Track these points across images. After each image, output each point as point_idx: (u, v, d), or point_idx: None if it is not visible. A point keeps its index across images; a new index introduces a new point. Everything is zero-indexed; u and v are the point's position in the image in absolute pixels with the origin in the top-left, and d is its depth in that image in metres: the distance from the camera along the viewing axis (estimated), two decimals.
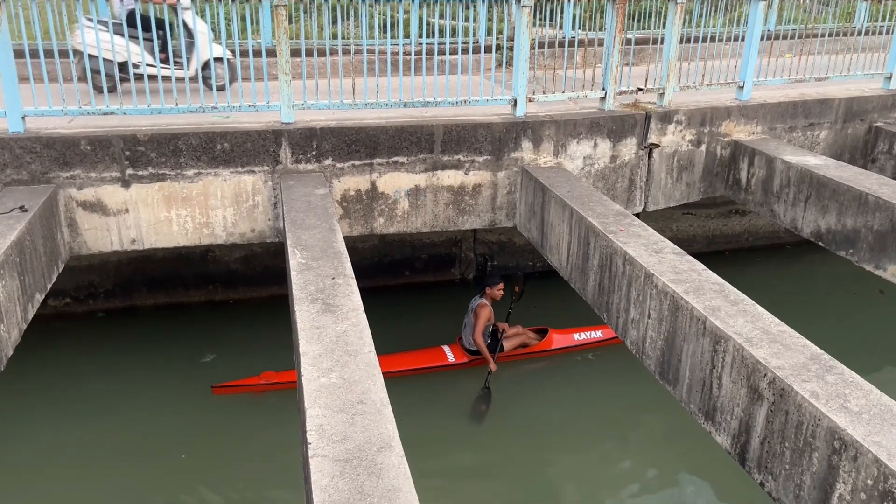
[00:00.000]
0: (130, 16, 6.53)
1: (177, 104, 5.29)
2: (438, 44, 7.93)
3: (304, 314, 3.48)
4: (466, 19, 9.24)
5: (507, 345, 7.01)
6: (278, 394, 6.34)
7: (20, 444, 5.90)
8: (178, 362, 6.97)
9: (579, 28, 9.52)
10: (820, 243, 6.04)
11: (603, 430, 6.32)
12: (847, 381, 2.98)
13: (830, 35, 8.09)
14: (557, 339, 7.34)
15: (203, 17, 7.48)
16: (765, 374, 3.08)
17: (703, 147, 6.82)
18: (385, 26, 7.62)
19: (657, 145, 6.51)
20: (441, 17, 9.12)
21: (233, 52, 6.95)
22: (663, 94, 6.54)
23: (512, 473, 5.78)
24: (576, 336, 7.41)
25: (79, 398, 6.49)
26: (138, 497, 5.43)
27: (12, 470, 5.63)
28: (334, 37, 8.48)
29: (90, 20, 5.72)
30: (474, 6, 8.98)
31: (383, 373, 6.68)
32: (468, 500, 5.47)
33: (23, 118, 5.03)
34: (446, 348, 7.08)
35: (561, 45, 7.03)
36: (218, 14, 7.61)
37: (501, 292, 6.93)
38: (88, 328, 7.64)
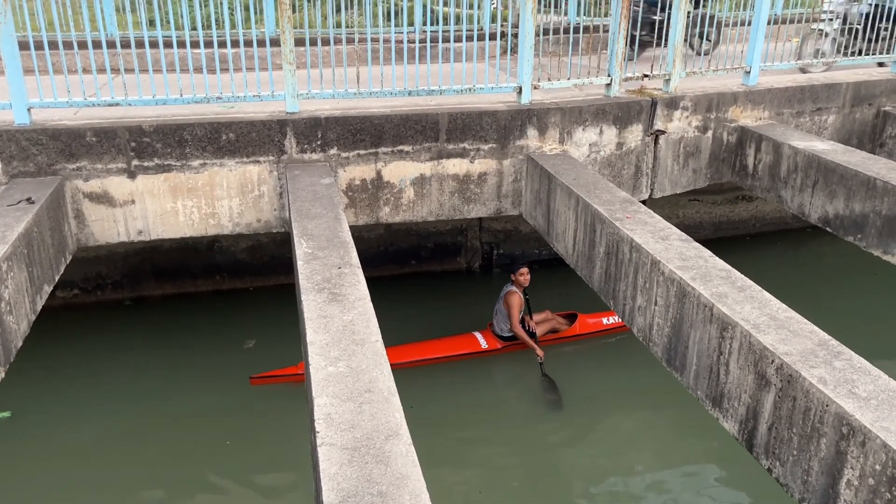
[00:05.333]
0: None
1: (181, 94, 5.28)
2: (443, 31, 7.90)
3: (310, 304, 3.49)
4: (471, 6, 9.19)
5: (539, 331, 7.09)
6: None
7: (41, 433, 5.95)
8: (213, 348, 7.08)
9: (584, 14, 9.48)
10: (827, 229, 6.01)
11: (619, 416, 6.34)
12: (855, 366, 2.97)
13: None
14: (587, 324, 7.40)
15: (206, 5, 7.46)
16: (772, 361, 3.08)
17: (710, 133, 6.78)
18: (389, 14, 7.59)
19: (663, 132, 6.47)
20: (445, 4, 9.08)
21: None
22: (669, 80, 6.50)
23: (524, 460, 5.80)
24: (605, 320, 7.46)
25: (101, 387, 6.55)
26: (175, 481, 5.54)
27: (34, 456, 5.70)
28: (338, 26, 8.47)
29: None
30: None
31: (415, 361, 6.64)
32: (478, 486, 5.49)
33: (28, 110, 5.03)
34: (478, 335, 7.12)
35: (566, 31, 6.99)
36: (221, 3, 7.59)
37: (525, 277, 6.97)
38: (100, 318, 7.69)
